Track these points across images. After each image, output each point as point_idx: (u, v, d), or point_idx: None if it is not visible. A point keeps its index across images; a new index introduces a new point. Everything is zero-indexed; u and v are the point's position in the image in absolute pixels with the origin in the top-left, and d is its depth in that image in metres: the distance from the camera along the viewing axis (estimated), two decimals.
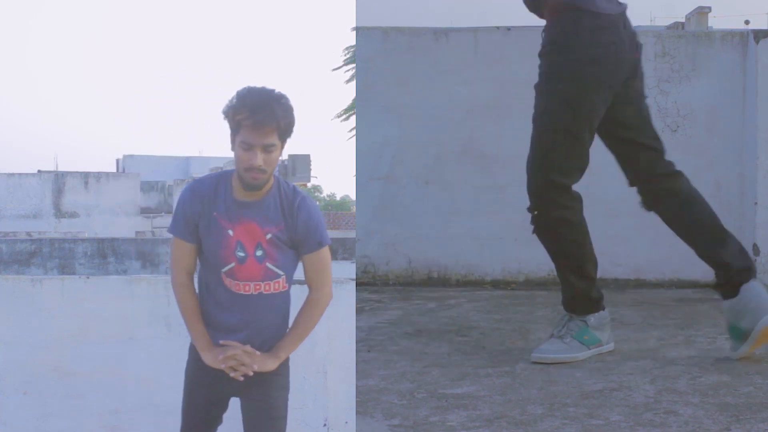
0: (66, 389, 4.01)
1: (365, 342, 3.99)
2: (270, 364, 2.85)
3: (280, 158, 2.85)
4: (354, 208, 17.39)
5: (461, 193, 5.78)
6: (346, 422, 4.17)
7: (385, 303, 5.07)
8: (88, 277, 4.21)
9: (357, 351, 3.80)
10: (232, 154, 2.87)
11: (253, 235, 2.83)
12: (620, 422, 2.82)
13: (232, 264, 2.83)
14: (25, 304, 4.06)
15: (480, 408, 2.99)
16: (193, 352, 2.95)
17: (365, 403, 3.07)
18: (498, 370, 3.48)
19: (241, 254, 2.83)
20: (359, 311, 4.66)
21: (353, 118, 21.18)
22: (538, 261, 5.77)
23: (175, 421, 3.07)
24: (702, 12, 27.33)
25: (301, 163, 43.03)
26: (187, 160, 36.99)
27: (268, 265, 2.84)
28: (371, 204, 5.79)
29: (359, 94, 5.85)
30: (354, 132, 11.80)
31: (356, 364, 3.57)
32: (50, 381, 4.01)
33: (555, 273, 5.78)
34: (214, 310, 2.89)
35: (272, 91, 2.79)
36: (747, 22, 29.91)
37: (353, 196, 41.12)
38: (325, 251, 2.92)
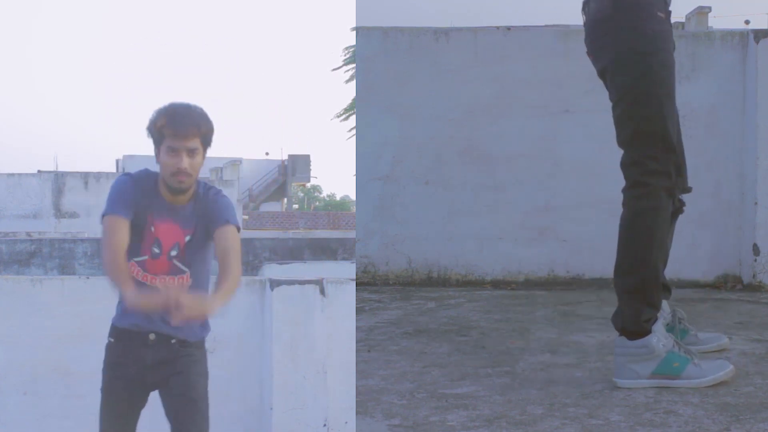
0: (66, 389, 4.01)
1: (365, 342, 3.99)
2: (191, 301, 2.69)
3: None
4: (354, 208, 17.38)
5: (461, 193, 5.78)
6: (346, 422, 4.17)
7: (385, 303, 5.06)
8: (88, 277, 4.22)
9: (357, 351, 3.80)
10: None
11: (173, 236, 2.99)
12: (620, 422, 2.82)
13: (146, 257, 2.98)
14: (25, 304, 4.07)
15: (480, 408, 2.99)
16: (110, 351, 3.08)
17: (365, 403, 3.07)
18: (498, 370, 3.48)
19: (156, 251, 2.99)
20: (359, 311, 4.66)
21: (353, 118, 21.18)
22: (538, 261, 5.79)
23: None
24: (702, 12, 27.30)
25: (301, 163, 43.17)
26: None
27: (175, 261, 2.99)
28: (371, 204, 5.79)
29: (359, 94, 5.85)
30: (354, 132, 11.80)
31: (356, 364, 3.57)
32: (50, 381, 4.01)
33: (555, 273, 5.84)
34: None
35: (189, 104, 2.98)
36: (747, 22, 29.93)
37: (353, 196, 41.13)
38: (232, 229, 2.95)
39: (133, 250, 2.99)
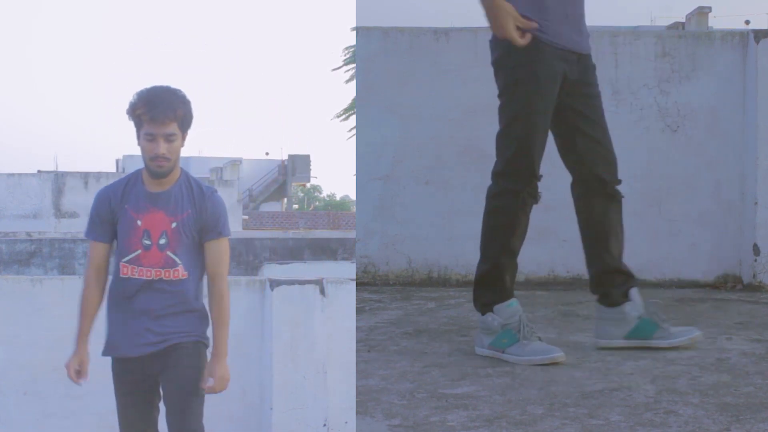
0: (66, 389, 4.00)
1: (365, 342, 3.99)
2: (222, 369, 3.08)
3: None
4: (354, 208, 17.39)
5: (461, 193, 5.78)
6: (346, 422, 4.17)
7: (385, 303, 5.06)
8: None
9: (357, 351, 3.80)
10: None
11: (159, 224, 3.02)
12: (620, 422, 2.82)
13: (138, 251, 3.02)
14: (25, 304, 4.07)
15: (480, 408, 2.99)
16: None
17: (365, 403, 3.07)
18: (498, 370, 3.48)
19: (147, 242, 3.02)
20: (359, 311, 4.66)
21: (353, 118, 21.17)
22: (538, 261, 5.78)
23: None
24: (702, 12, 27.33)
25: (301, 163, 43.16)
26: (186, 160, 36.93)
27: (168, 253, 3.02)
28: (371, 204, 5.79)
29: (359, 94, 5.85)
30: (354, 132, 11.80)
31: (356, 364, 3.57)
32: (50, 381, 4.01)
33: (555, 273, 5.84)
34: (122, 297, 3.07)
35: (169, 87, 3.04)
36: (747, 22, 29.95)
37: (353, 196, 41.09)
38: (225, 242, 3.11)
39: (123, 250, 3.04)
